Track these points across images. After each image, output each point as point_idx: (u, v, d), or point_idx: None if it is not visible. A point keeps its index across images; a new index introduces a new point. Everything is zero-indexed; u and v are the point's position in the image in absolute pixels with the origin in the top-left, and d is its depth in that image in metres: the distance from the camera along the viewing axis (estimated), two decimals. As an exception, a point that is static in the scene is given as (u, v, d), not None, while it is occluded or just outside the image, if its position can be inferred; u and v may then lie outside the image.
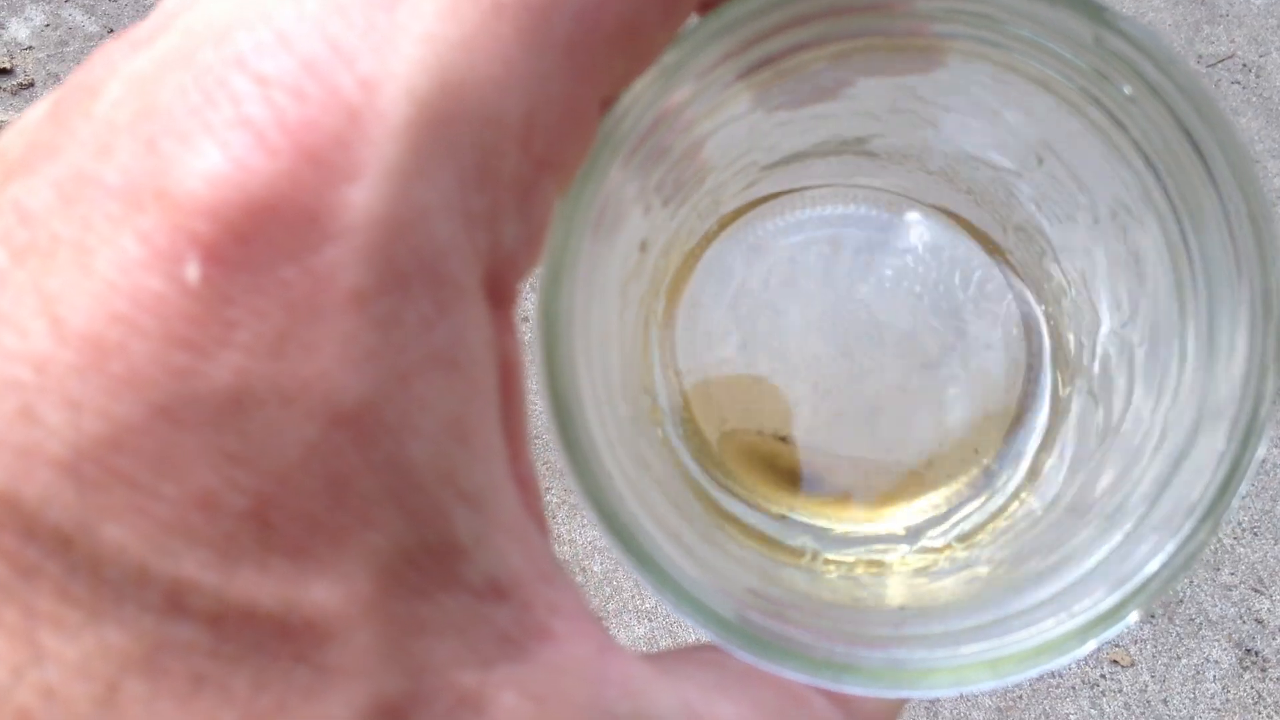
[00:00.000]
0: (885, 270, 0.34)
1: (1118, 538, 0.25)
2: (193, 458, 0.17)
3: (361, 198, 0.17)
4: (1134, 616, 0.23)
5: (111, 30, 2.01)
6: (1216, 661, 1.53)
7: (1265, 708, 1.50)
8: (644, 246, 0.29)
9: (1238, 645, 1.54)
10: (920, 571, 0.31)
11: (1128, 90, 0.23)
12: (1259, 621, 1.55)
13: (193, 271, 0.17)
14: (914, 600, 0.30)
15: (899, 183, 0.34)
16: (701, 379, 0.34)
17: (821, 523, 0.33)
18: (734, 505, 0.33)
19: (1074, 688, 1.51)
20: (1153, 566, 0.23)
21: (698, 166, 0.29)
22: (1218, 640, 1.54)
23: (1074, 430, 0.31)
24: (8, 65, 1.99)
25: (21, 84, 1.97)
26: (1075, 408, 0.31)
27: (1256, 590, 1.57)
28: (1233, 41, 2.01)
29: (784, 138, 0.31)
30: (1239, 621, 1.55)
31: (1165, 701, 1.50)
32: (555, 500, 1.56)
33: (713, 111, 0.26)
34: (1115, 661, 1.52)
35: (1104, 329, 0.30)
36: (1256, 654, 1.53)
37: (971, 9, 0.24)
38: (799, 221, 0.34)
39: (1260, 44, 2.01)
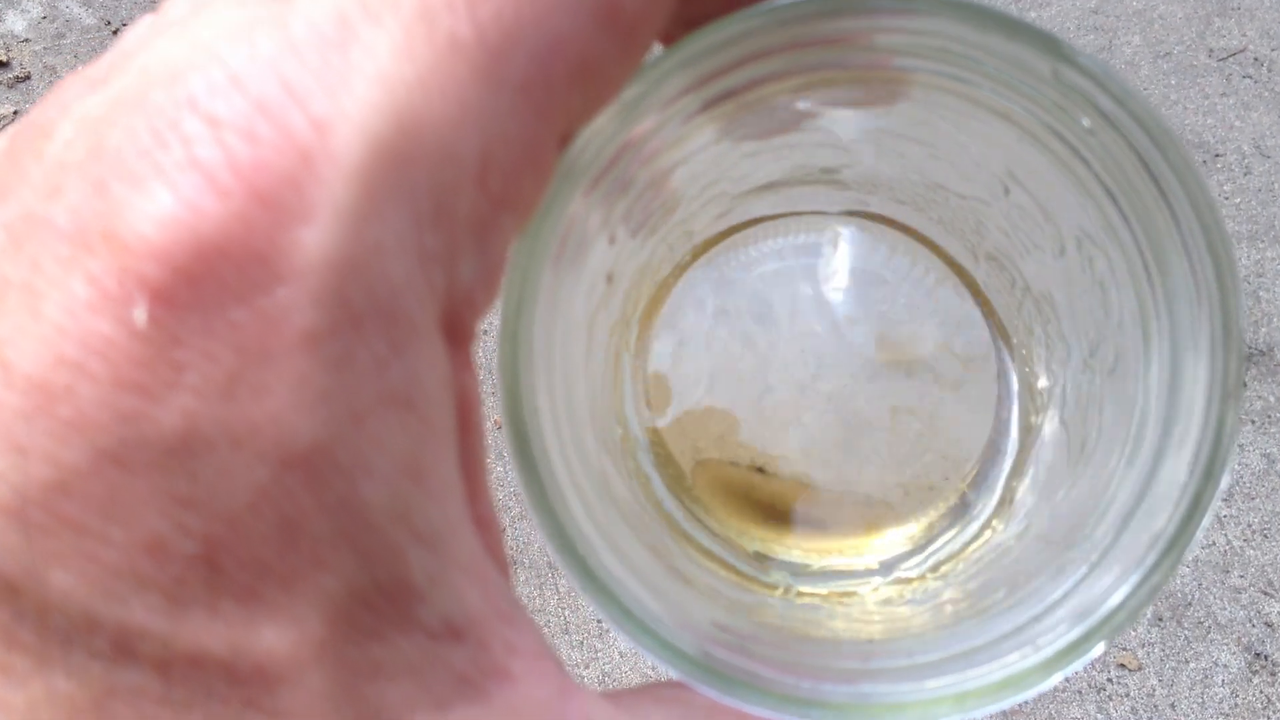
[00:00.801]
0: (859, 300, 0.34)
1: (1083, 570, 0.25)
2: (141, 502, 0.17)
3: (313, 238, 0.17)
4: (1098, 650, 0.23)
5: (109, 23, 2.00)
6: (1225, 665, 1.52)
7: (1274, 712, 1.49)
8: (610, 278, 0.29)
9: (1247, 649, 1.53)
10: (891, 601, 0.31)
11: (1086, 123, 0.24)
12: (1268, 625, 1.54)
13: (140, 314, 0.16)
14: (882, 632, 0.30)
15: (871, 211, 0.34)
16: (674, 409, 0.34)
17: (798, 558, 0.34)
18: (707, 541, 0.34)
19: (1080, 692, 1.50)
20: (1115, 599, 0.23)
21: (666, 197, 0.29)
22: (1226, 644, 1.53)
23: (1045, 458, 0.32)
24: (4, 58, 1.99)
25: (18, 77, 1.97)
26: (1046, 436, 0.32)
27: (1266, 593, 1.56)
28: (1244, 35, 1.99)
29: (753, 168, 0.31)
30: (1248, 625, 1.54)
31: (1173, 706, 1.50)
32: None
33: (677, 143, 0.26)
34: (1123, 665, 1.52)
35: (1073, 358, 0.30)
36: (1266, 658, 1.52)
37: (932, 43, 0.24)
38: (772, 250, 0.35)
39: (1272, 38, 1.99)
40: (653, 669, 1.52)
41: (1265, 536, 1.60)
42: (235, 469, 0.17)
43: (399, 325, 0.18)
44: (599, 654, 1.52)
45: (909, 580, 0.32)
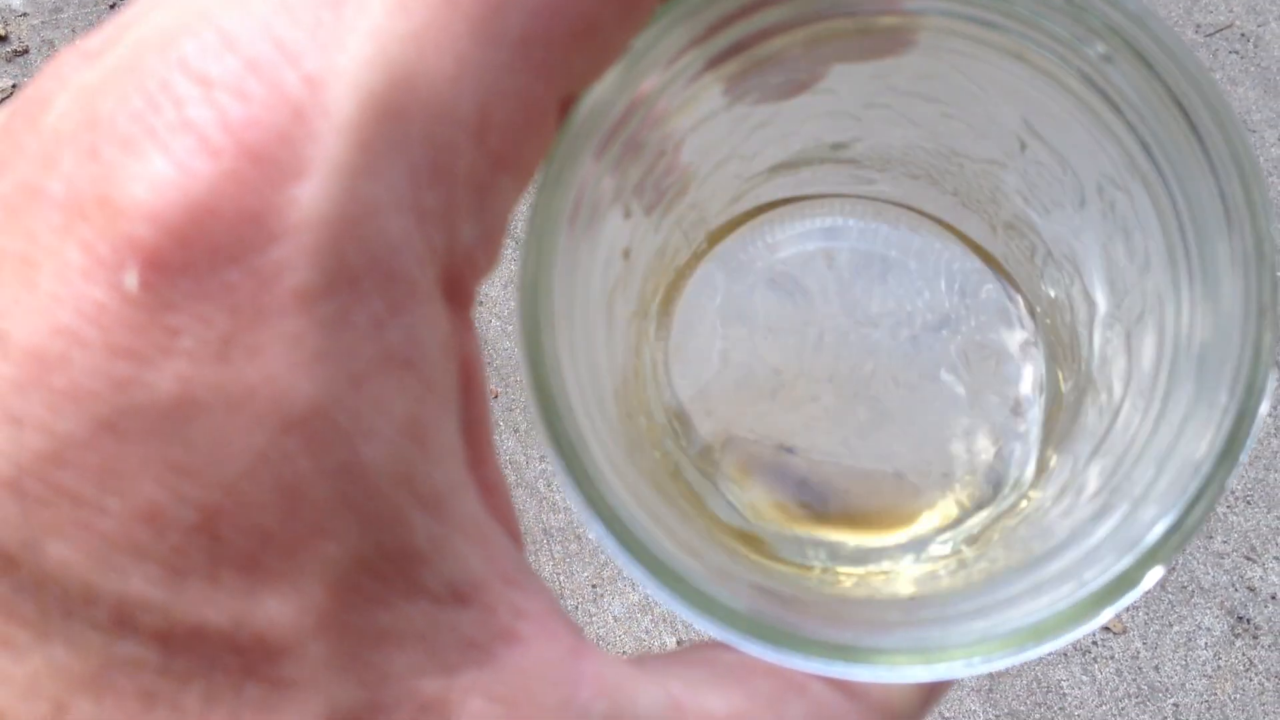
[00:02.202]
0: (878, 282, 0.33)
1: (1125, 507, 0.24)
2: (138, 471, 0.16)
3: (308, 195, 0.17)
4: (1152, 577, 0.22)
5: (106, -3, 2.00)
6: (1209, 629, 1.53)
7: (1257, 674, 1.50)
8: (627, 254, 0.29)
9: (1230, 613, 1.54)
10: (930, 574, 0.30)
11: (1102, 49, 0.23)
12: (1251, 589, 1.56)
13: (131, 279, 0.16)
14: (926, 590, 0.29)
15: (884, 190, 0.33)
16: (700, 399, 0.34)
17: (834, 538, 0.33)
18: (742, 524, 0.33)
19: (1065, 654, 1.51)
20: (1160, 529, 0.23)
21: (679, 173, 0.29)
22: (1210, 608, 1.55)
23: (1078, 421, 0.31)
24: (2, 32, 1.98)
25: (16, 51, 1.96)
26: (1077, 399, 0.31)
27: (1249, 558, 1.57)
28: (1231, 11, 2.00)
29: (764, 143, 0.31)
30: (1231, 589, 1.56)
31: (1157, 668, 1.51)
32: (551, 469, 1.56)
33: (685, 105, 0.25)
34: (1107, 628, 1.53)
35: (1099, 315, 0.29)
36: (1248, 621, 1.54)
37: None
38: (788, 237, 0.34)
39: (1258, 13, 2.00)
40: (645, 634, 1.53)
41: (1248, 503, 1.61)
42: (232, 434, 0.17)
43: (397, 284, 0.18)
44: (593, 618, 1.53)
45: (943, 556, 0.31)
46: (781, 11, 0.24)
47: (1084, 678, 1.50)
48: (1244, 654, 1.52)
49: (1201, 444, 0.23)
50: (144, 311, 0.16)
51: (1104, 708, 1.49)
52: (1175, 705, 1.49)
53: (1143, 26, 0.22)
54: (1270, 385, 0.23)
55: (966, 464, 0.33)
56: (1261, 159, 1.85)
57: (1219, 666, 1.51)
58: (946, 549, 0.31)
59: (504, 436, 1.64)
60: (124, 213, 0.16)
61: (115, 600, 0.17)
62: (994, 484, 0.32)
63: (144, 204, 0.16)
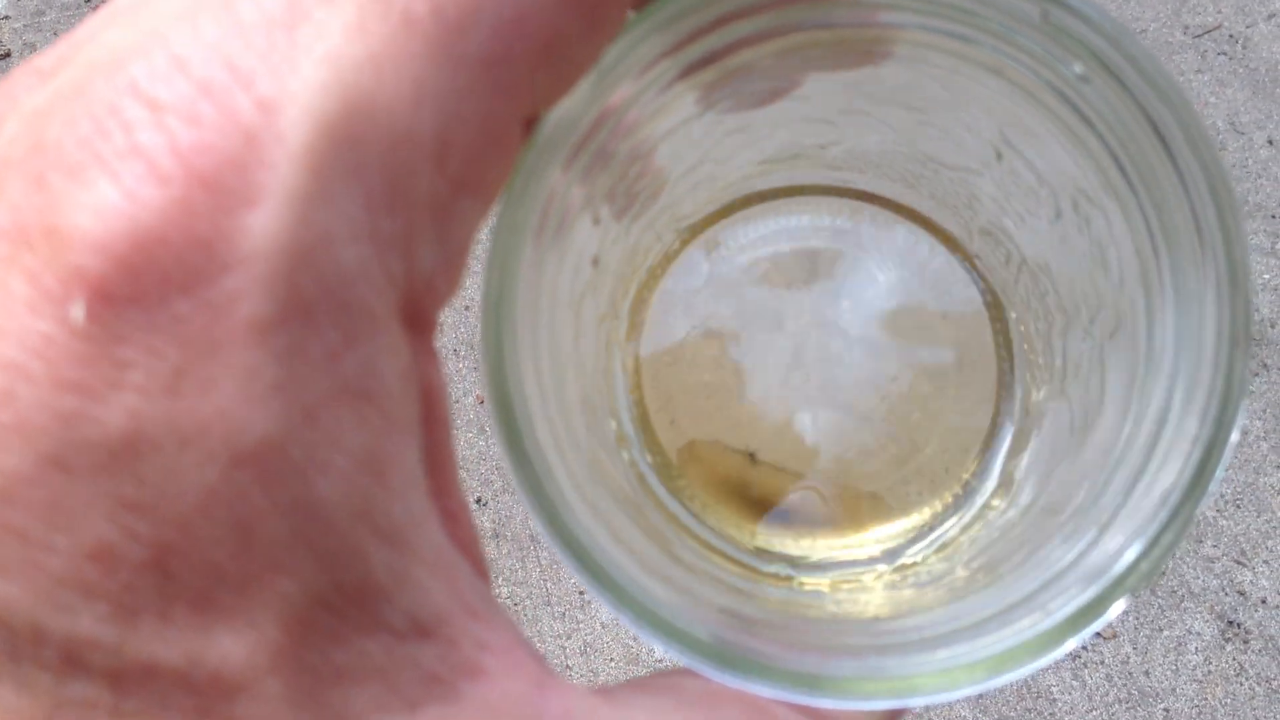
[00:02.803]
0: (852, 284, 0.33)
1: (1092, 533, 0.24)
2: (86, 507, 0.16)
3: (261, 224, 0.16)
4: (1113, 611, 0.22)
5: (88, 0, 1.99)
6: (1199, 633, 1.53)
7: (1247, 679, 1.50)
8: (596, 262, 0.28)
9: (1220, 617, 1.54)
10: (896, 584, 0.30)
11: (1079, 69, 0.23)
12: (1241, 594, 1.56)
13: (78, 311, 0.16)
14: (891, 610, 0.29)
15: (862, 190, 0.33)
16: (667, 400, 0.33)
17: (795, 551, 0.33)
18: (705, 534, 0.32)
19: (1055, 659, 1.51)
20: (1128, 558, 0.23)
21: (651, 177, 0.28)
22: (1200, 612, 1.55)
23: (1046, 433, 0.31)
24: (-16, 36, 1.97)
25: (-2, 55, 1.95)
26: (1047, 411, 0.31)
27: (1239, 563, 1.57)
28: (1219, 12, 2.00)
29: (738, 147, 0.30)
30: (1221, 594, 1.56)
31: (1147, 673, 1.51)
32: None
33: (657, 114, 0.25)
34: (1097, 633, 1.53)
35: (1073, 328, 0.29)
36: (1239, 626, 1.54)
37: None
38: (762, 235, 0.33)
39: (1246, 14, 2.00)
40: (634, 639, 1.53)
41: (1238, 506, 1.61)
42: (184, 469, 0.16)
43: (353, 313, 0.17)
44: (580, 625, 1.53)
45: (913, 565, 0.31)
46: (756, 23, 0.23)
47: (1074, 683, 1.50)
48: (1234, 659, 1.52)
49: (1170, 473, 0.23)
50: (92, 344, 0.16)
51: (1094, 713, 1.49)
52: (1166, 710, 1.49)
53: (1120, 49, 0.22)
54: (1241, 415, 0.22)
55: (934, 478, 0.33)
56: (1249, 160, 1.84)
57: (1209, 671, 1.51)
58: (917, 558, 0.31)
59: (490, 442, 1.63)
60: (71, 243, 0.16)
61: (64, 640, 0.16)
62: (965, 494, 0.32)
63: (91, 234, 0.16)
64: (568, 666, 1.51)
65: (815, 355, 0.33)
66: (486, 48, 0.18)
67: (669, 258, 0.33)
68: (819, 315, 0.33)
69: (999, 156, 0.28)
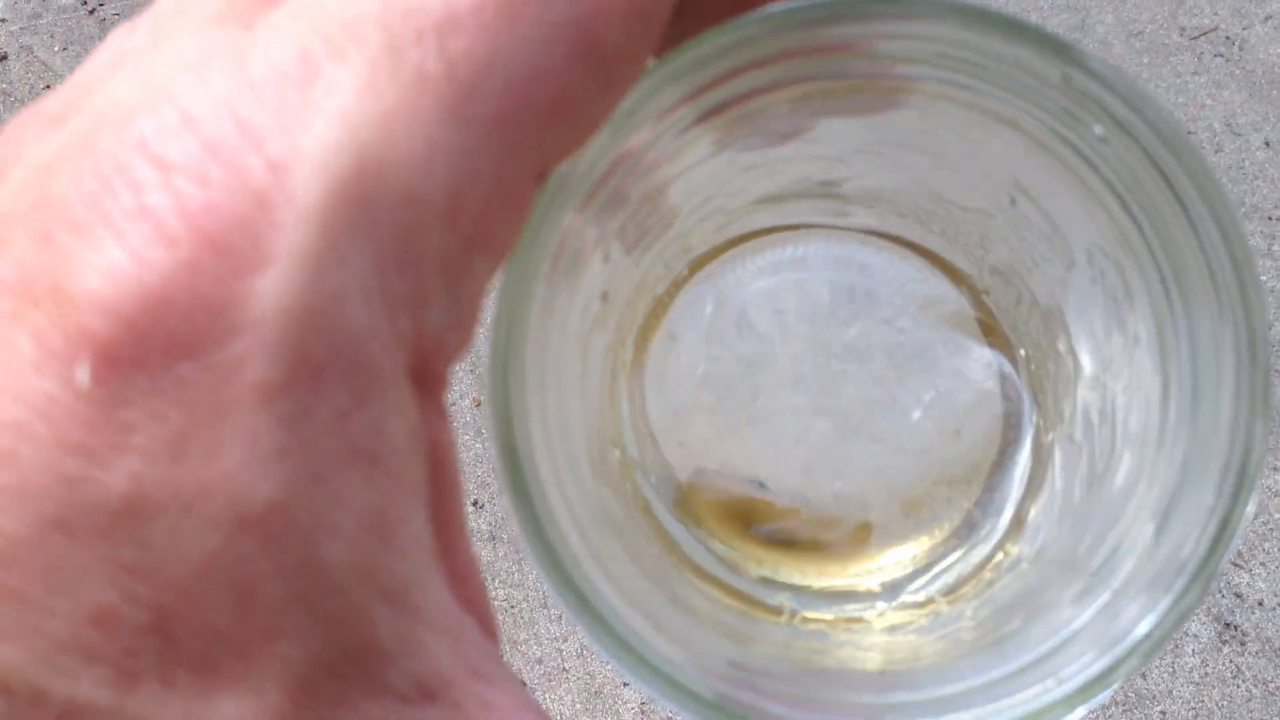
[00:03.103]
0: (860, 316, 0.33)
1: (1105, 596, 0.24)
2: (87, 571, 0.16)
3: (269, 287, 0.16)
4: (1127, 674, 0.22)
5: (85, 3, 1.99)
6: (1195, 636, 1.54)
7: (1244, 681, 1.50)
8: (606, 297, 0.28)
9: (1217, 619, 1.54)
10: (901, 627, 0.30)
11: (1099, 130, 0.23)
12: (1238, 595, 1.56)
13: (83, 372, 0.16)
14: (896, 662, 0.29)
15: (872, 225, 0.33)
16: (673, 428, 0.33)
17: (799, 579, 0.33)
18: (709, 563, 0.32)
19: None
20: (1142, 629, 0.22)
21: (663, 213, 0.28)
22: (1197, 614, 1.55)
23: (1059, 479, 0.30)
24: (-21, 38, 1.97)
25: (-6, 57, 1.95)
26: (1059, 455, 0.30)
27: (1235, 565, 1.57)
28: (1216, 14, 2.00)
29: (751, 182, 0.30)
30: (1218, 596, 1.56)
31: (1144, 676, 1.51)
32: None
33: (673, 156, 0.25)
34: (1094, 636, 1.53)
35: (1085, 375, 0.29)
36: (1235, 628, 1.54)
37: (936, 49, 0.23)
38: (771, 264, 0.33)
39: (1243, 16, 2.00)
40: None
41: (1235, 509, 1.61)
42: (186, 533, 0.16)
43: (362, 375, 0.17)
44: (577, 628, 1.53)
45: (916, 605, 0.31)
46: (772, 73, 0.23)
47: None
48: (1231, 661, 1.52)
49: (1187, 543, 0.23)
50: (96, 406, 0.16)
51: (1091, 716, 1.49)
52: (1162, 713, 1.49)
53: (1141, 115, 0.22)
54: (1257, 486, 0.22)
55: (941, 506, 0.33)
56: (1246, 162, 1.85)
57: (1206, 673, 1.51)
58: (920, 596, 0.31)
59: (486, 444, 1.63)
60: (76, 303, 0.16)
61: (64, 703, 0.16)
62: (968, 529, 0.32)
63: (97, 294, 0.16)
64: (565, 669, 1.51)
65: (820, 384, 0.33)
66: (499, 107, 0.18)
67: (678, 284, 0.33)
68: (825, 345, 0.33)
69: (1013, 202, 0.28)
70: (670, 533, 0.33)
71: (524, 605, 1.53)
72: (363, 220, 0.17)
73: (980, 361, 0.33)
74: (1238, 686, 1.51)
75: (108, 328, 0.16)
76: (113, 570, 0.16)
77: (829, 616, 0.32)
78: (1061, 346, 0.30)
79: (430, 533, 0.19)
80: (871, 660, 0.29)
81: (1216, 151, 1.86)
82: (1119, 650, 0.22)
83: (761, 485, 0.33)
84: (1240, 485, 0.22)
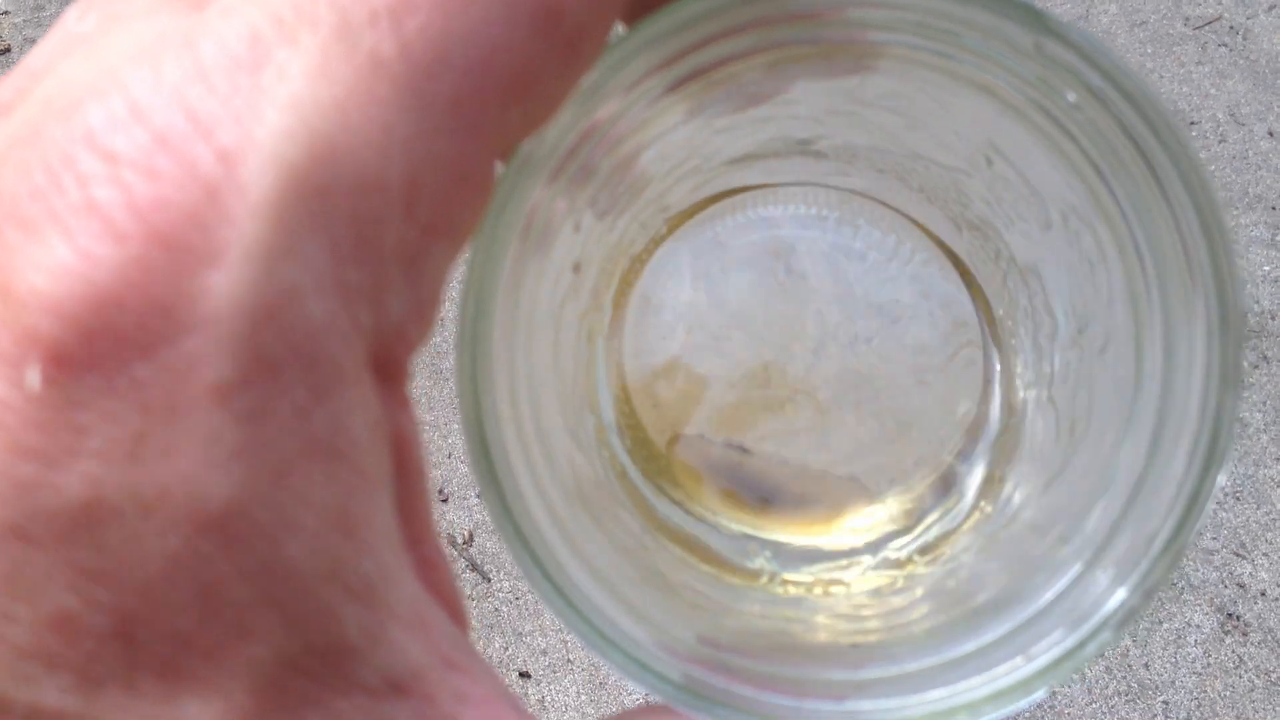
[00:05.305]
0: (838, 273, 0.33)
1: (1076, 568, 0.24)
2: (47, 577, 0.16)
3: (222, 282, 0.16)
4: (1097, 650, 0.22)
5: (88, -5, 1.99)
6: (1198, 626, 1.54)
7: (1246, 671, 1.51)
8: (578, 267, 0.28)
9: (1219, 610, 1.55)
10: (880, 590, 0.30)
11: (1072, 98, 0.22)
12: (1241, 586, 1.56)
13: (33, 376, 0.15)
14: (869, 632, 0.29)
15: (850, 182, 0.32)
16: (650, 389, 0.33)
17: (781, 537, 0.32)
18: (688, 523, 0.32)
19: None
20: (1111, 603, 0.22)
21: (634, 178, 0.28)
22: (1199, 605, 1.55)
23: (1033, 437, 0.30)
24: (-17, 31, 1.97)
25: (-2, 50, 1.95)
26: (1034, 414, 0.30)
27: (1238, 555, 1.57)
28: (1220, 4, 2.00)
29: (727, 142, 0.30)
30: (1221, 586, 1.56)
31: (1147, 666, 1.51)
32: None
33: (644, 125, 0.25)
34: (1097, 626, 1.53)
35: (1061, 334, 0.29)
36: (1238, 618, 1.54)
37: (909, 17, 0.22)
38: (749, 222, 0.33)
39: (1247, 6, 1.99)
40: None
41: (1237, 499, 1.61)
42: (145, 536, 0.16)
43: (320, 370, 0.17)
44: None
45: (897, 564, 0.31)
46: (743, 41, 0.23)
47: (1074, 675, 1.50)
48: (1233, 651, 1.52)
49: (1156, 515, 0.22)
50: (49, 409, 0.16)
51: (1094, 705, 1.50)
52: (1165, 703, 1.49)
53: (1114, 83, 0.22)
54: (1229, 458, 0.22)
55: (914, 466, 0.32)
56: (1250, 152, 1.84)
57: (1209, 664, 1.51)
58: (901, 554, 0.31)
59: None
60: (25, 304, 0.16)
61: (27, 711, 0.16)
62: (947, 486, 0.32)
63: (45, 295, 0.15)
64: (570, 660, 1.52)
65: (799, 342, 0.33)
66: (457, 88, 0.17)
67: (654, 243, 0.33)
68: (803, 303, 0.33)
69: (989, 162, 0.28)
70: (646, 498, 0.32)
71: (529, 597, 1.53)
72: (317, 211, 0.16)
73: (959, 320, 0.32)
74: (1240, 677, 1.51)
75: (57, 328, 0.15)
76: (73, 575, 0.16)
77: (808, 579, 0.31)
78: (1038, 303, 0.30)
79: (397, 524, 0.19)
80: (844, 631, 0.29)
81: (1220, 141, 1.86)
82: (1087, 627, 0.22)
83: (739, 449, 0.33)
84: (1211, 456, 0.22)
